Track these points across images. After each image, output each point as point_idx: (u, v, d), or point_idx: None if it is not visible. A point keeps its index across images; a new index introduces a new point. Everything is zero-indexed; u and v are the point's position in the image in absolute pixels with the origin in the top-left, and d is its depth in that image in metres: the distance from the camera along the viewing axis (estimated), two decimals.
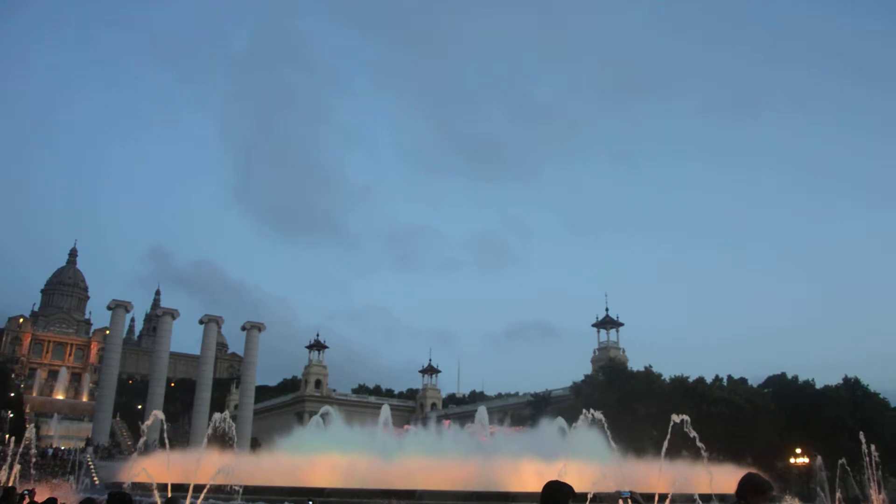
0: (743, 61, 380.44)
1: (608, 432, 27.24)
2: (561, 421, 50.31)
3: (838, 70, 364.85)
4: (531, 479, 29.53)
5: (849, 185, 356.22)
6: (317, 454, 37.19)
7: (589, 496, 19.20)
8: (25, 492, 20.28)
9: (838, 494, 49.94)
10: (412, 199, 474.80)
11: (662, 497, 24.44)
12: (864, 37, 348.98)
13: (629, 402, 75.18)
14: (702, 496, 27.10)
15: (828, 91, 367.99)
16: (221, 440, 47.41)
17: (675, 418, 27.95)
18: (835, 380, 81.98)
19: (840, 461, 48.69)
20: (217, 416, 31.68)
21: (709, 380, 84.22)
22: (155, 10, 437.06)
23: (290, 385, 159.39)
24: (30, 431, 52.08)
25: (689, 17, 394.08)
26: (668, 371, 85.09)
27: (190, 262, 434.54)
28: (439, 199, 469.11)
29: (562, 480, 5.88)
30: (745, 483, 6.44)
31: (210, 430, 30.90)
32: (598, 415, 25.85)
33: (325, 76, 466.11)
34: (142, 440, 38.99)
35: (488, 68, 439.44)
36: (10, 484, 38.71)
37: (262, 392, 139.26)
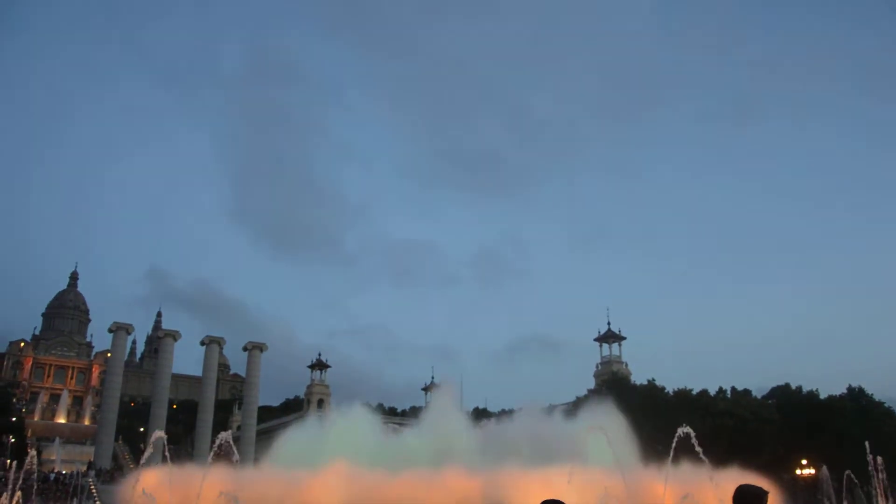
0: (743, 68, 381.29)
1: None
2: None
3: (839, 77, 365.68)
4: (538, 491, 29.26)
5: (849, 192, 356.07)
6: (318, 465, 36.76)
7: None
8: None
9: None
10: (410, 214, 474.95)
11: None
12: (863, 44, 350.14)
13: (633, 416, 74.78)
14: None
15: (828, 98, 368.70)
16: (225, 461, 47.18)
17: (680, 432, 27.82)
18: (839, 389, 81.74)
19: (846, 472, 48.41)
20: (222, 434, 31.57)
21: (712, 392, 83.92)
22: (147, 28, 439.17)
23: (292, 405, 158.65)
24: (31, 456, 51.81)
25: (688, 25, 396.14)
26: (671, 384, 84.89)
27: (188, 282, 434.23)
28: (438, 214, 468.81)
29: (558, 500, 5.85)
30: (743, 495, 6.36)
31: (213, 453, 30.67)
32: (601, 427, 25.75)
33: (319, 91, 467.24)
34: (144, 457, 38.73)
35: (485, 80, 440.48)
36: None
37: (265, 412, 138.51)
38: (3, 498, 43.53)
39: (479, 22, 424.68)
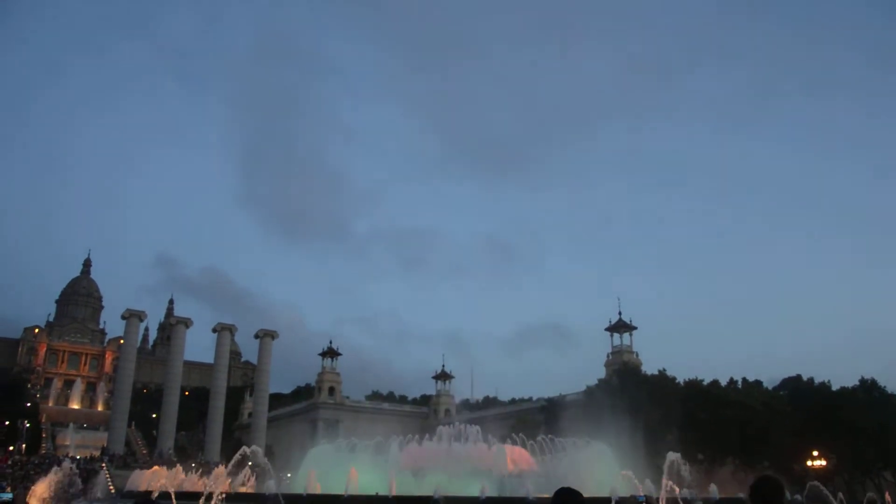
0: (756, 70, 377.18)
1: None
2: None
3: (846, 86, 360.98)
4: None
5: (860, 184, 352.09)
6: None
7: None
8: None
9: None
10: (420, 201, 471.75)
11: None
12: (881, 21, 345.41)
13: (643, 406, 74.79)
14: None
15: (844, 78, 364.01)
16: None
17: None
18: (851, 381, 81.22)
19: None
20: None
21: (723, 382, 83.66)
22: (156, 13, 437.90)
23: (303, 392, 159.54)
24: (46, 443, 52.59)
25: (701, 9, 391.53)
26: (682, 374, 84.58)
27: (198, 269, 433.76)
28: (447, 201, 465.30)
29: (574, 489, 5.87)
30: (772, 486, 6.26)
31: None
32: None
33: (329, 79, 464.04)
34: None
35: (496, 67, 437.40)
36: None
37: (276, 400, 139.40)
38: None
39: (489, 6, 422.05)
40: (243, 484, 50.95)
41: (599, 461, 48.32)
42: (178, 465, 60.01)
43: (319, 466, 47.53)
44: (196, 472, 56.65)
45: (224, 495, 30.76)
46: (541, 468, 50.38)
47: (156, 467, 61.94)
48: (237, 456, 45.47)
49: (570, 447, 53.06)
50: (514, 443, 55.38)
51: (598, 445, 50.80)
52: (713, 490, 44.24)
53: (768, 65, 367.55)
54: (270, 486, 42.00)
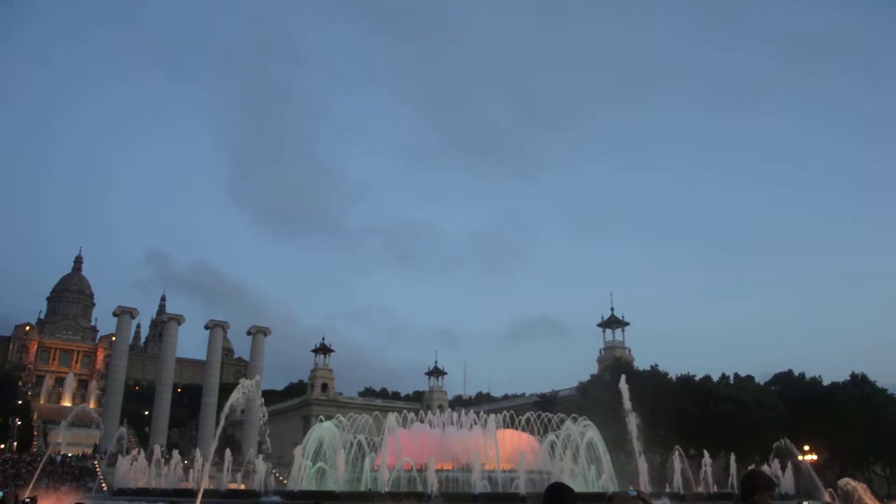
0: (752, 59, 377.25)
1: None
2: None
3: (842, 71, 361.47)
4: None
5: (851, 179, 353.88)
6: None
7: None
8: (27, 499, 20.35)
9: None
10: (412, 195, 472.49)
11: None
12: (866, 38, 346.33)
13: (635, 402, 74.90)
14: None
15: (831, 91, 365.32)
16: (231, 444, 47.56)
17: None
18: (842, 376, 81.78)
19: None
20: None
21: (715, 378, 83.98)
22: (146, 9, 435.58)
23: (296, 389, 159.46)
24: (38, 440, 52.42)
25: (697, 12, 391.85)
26: (674, 370, 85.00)
27: (189, 265, 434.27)
28: (440, 196, 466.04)
29: (564, 483, 5.89)
30: (752, 480, 6.36)
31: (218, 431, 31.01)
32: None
33: (320, 72, 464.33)
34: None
35: (489, 61, 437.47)
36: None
37: (269, 396, 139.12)
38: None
39: (483, 2, 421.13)
40: (233, 480, 50.82)
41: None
42: (161, 454, 59.74)
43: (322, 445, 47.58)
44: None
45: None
46: (535, 465, 50.12)
47: (137, 449, 61.62)
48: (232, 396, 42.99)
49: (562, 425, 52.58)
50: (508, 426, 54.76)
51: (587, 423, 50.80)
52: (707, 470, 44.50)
53: (766, 49, 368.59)
54: (262, 476, 41.79)
